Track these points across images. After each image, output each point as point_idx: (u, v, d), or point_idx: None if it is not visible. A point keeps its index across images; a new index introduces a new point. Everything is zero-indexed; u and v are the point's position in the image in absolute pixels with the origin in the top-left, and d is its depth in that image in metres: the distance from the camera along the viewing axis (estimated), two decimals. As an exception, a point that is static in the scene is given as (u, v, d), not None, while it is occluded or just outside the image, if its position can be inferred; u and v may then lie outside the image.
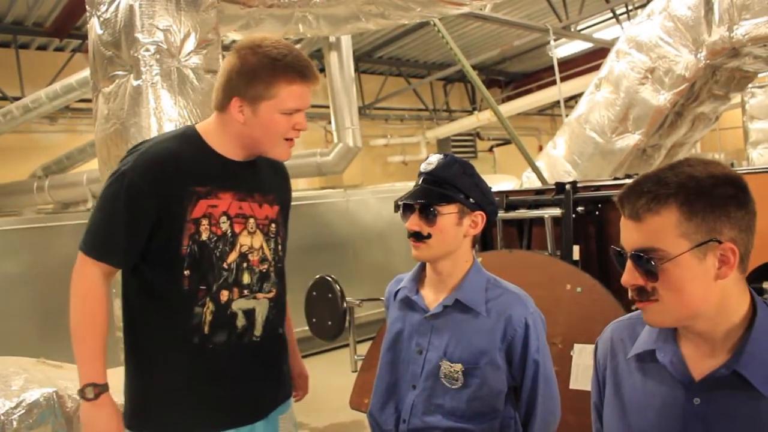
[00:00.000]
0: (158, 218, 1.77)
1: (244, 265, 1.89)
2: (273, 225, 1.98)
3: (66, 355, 3.69)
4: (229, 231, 1.86)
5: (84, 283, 1.82)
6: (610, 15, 10.77)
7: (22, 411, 2.49)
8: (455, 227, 1.75)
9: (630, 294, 1.26)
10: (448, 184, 1.75)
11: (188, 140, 1.86)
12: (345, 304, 3.75)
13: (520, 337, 1.73)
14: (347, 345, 4.00)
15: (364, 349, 3.62)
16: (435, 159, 1.81)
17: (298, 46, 6.81)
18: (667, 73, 5.93)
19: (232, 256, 1.87)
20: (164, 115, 3.01)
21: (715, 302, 1.20)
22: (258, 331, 1.93)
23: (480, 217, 1.78)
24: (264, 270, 1.94)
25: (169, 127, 3.00)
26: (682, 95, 6.01)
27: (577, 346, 2.58)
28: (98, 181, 4.00)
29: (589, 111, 6.49)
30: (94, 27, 3.18)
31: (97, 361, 1.80)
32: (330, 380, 5.93)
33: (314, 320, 3.93)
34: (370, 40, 11.46)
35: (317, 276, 3.94)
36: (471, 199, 1.76)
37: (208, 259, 1.82)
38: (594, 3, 10.08)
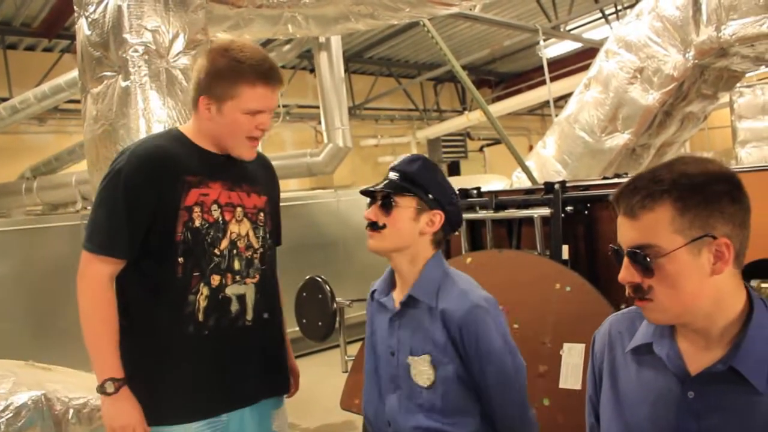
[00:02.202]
0: (154, 208, 1.87)
1: (234, 251, 1.99)
2: (261, 214, 2.08)
3: (55, 357, 3.68)
4: (220, 218, 1.96)
5: (92, 281, 1.87)
6: (599, 15, 10.82)
7: (10, 414, 2.47)
8: (410, 221, 1.76)
9: (627, 291, 1.27)
10: (409, 179, 1.77)
11: (175, 138, 1.98)
12: (335, 305, 3.75)
13: (458, 330, 1.69)
14: (338, 346, 4.00)
15: (354, 349, 3.61)
16: (403, 156, 1.85)
17: (287, 47, 6.74)
18: (656, 73, 5.96)
19: (224, 243, 1.97)
20: (153, 116, 2.99)
21: (711, 297, 1.21)
22: (249, 315, 2.02)
23: (438, 217, 1.77)
24: (249, 256, 2.04)
25: (158, 128, 2.98)
26: (670, 95, 6.04)
27: (566, 346, 2.59)
28: (87, 183, 3.99)
29: (578, 111, 6.51)
30: (83, 28, 3.16)
31: (113, 356, 1.87)
32: (321, 381, 5.92)
33: (304, 321, 3.93)
34: (360, 41, 11.47)
35: (307, 277, 3.94)
36: (429, 195, 1.76)
37: (200, 245, 1.92)
38: (583, 3, 10.12)
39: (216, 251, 1.95)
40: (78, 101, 3.51)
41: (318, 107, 7.86)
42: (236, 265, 1.99)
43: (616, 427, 1.38)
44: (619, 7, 10.66)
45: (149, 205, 1.86)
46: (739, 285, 1.25)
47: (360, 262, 7.50)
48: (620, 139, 6.27)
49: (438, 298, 1.74)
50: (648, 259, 1.20)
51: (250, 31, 3.96)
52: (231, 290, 1.98)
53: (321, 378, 6.02)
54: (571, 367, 2.54)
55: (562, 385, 2.57)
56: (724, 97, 7.69)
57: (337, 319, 3.77)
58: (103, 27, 3.07)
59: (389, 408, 1.81)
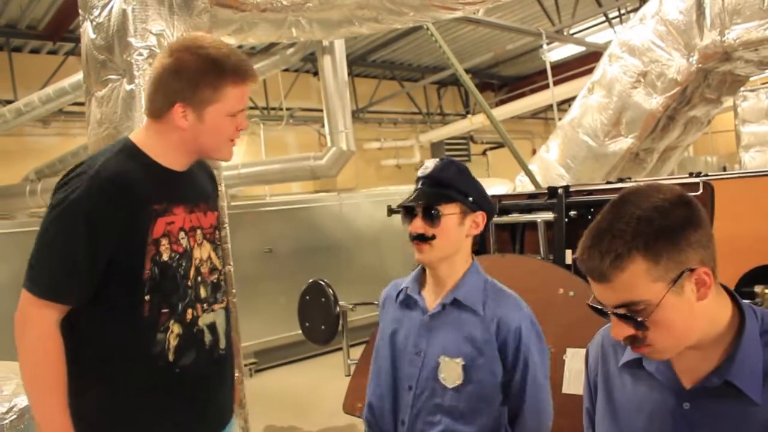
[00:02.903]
0: (117, 245, 1.64)
1: (199, 279, 1.82)
2: (216, 232, 1.92)
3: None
4: (187, 246, 1.78)
5: (37, 328, 1.63)
6: (603, 19, 10.80)
7: (14, 416, 2.48)
8: (458, 227, 1.78)
9: (623, 342, 1.25)
10: (447, 185, 1.77)
11: (132, 156, 1.71)
12: (338, 308, 3.76)
13: (513, 340, 1.74)
14: (340, 349, 4.01)
15: (357, 353, 3.62)
16: (431, 163, 1.84)
17: (291, 50, 6.73)
18: (660, 77, 5.96)
19: (192, 272, 1.79)
20: (157, 119, 3.00)
21: (704, 320, 1.21)
22: (222, 344, 1.89)
23: (481, 217, 1.82)
24: (215, 280, 1.88)
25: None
26: (674, 99, 6.04)
27: (569, 351, 2.59)
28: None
29: (582, 115, 6.51)
30: (87, 31, 3.17)
31: (63, 415, 1.63)
32: (323, 384, 5.93)
33: (307, 324, 3.94)
34: (364, 44, 11.47)
35: (310, 280, 3.95)
36: (470, 199, 1.79)
37: (172, 280, 1.73)
38: (587, 7, 10.12)
39: (188, 283, 1.77)
40: (82, 104, 3.52)
41: (321, 110, 7.87)
42: (203, 293, 1.82)
43: None
44: (622, 11, 10.65)
45: (112, 242, 1.62)
46: (721, 295, 1.25)
47: (363, 265, 7.50)
48: (624, 143, 6.26)
49: (486, 305, 1.78)
50: (640, 318, 1.18)
51: (254, 35, 3.98)
52: (203, 321, 1.81)
53: (323, 381, 6.02)
54: (575, 372, 2.54)
55: (565, 390, 2.57)
56: (728, 101, 7.69)
57: (340, 322, 3.78)
58: (107, 30, 3.08)
59: (404, 407, 1.81)
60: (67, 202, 1.61)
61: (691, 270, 1.17)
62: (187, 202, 1.79)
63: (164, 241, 1.71)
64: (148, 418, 1.73)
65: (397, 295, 1.94)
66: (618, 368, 1.39)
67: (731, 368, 1.20)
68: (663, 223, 1.17)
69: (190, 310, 1.78)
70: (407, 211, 1.81)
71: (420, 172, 1.84)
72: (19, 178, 8.82)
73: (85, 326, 1.69)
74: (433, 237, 1.75)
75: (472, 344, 1.75)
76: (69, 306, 1.65)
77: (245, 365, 5.55)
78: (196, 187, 1.86)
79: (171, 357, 1.73)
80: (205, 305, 1.83)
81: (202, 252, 1.84)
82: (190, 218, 1.80)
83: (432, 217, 1.75)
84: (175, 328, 1.74)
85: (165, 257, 1.71)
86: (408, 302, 1.89)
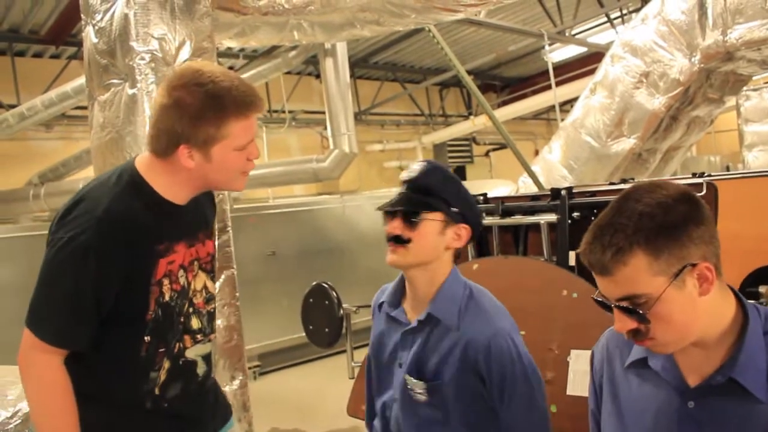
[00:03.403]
0: (123, 287, 1.59)
1: (191, 310, 1.76)
2: (212, 259, 1.87)
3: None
4: (185, 283, 1.74)
5: (44, 373, 1.58)
6: (605, 19, 10.80)
7: (18, 421, 2.48)
8: (437, 236, 1.70)
9: (626, 336, 1.26)
10: (431, 193, 1.70)
11: (138, 190, 1.64)
12: (342, 311, 3.76)
13: (482, 361, 1.64)
14: (344, 351, 4.01)
15: (361, 355, 3.61)
16: (417, 166, 1.75)
17: (293, 53, 6.72)
18: (662, 77, 5.95)
19: (186, 306, 1.76)
20: (159, 123, 3.01)
21: (706, 315, 1.22)
22: (214, 372, 1.89)
23: (464, 231, 1.73)
24: (211, 309, 1.85)
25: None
26: (676, 99, 6.03)
27: (573, 352, 2.58)
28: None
29: (584, 115, 6.51)
30: (89, 35, 3.17)
31: None
32: (327, 387, 5.93)
33: (311, 327, 3.94)
34: (366, 46, 11.49)
35: (314, 283, 3.95)
36: (454, 209, 1.71)
37: (169, 318, 1.69)
38: (588, 8, 10.11)
39: (181, 319, 1.73)
40: (85, 107, 3.52)
41: (324, 113, 7.88)
42: (194, 325, 1.77)
43: None
44: (624, 12, 10.65)
45: (117, 286, 1.57)
46: (725, 292, 1.26)
47: (366, 267, 7.50)
48: (626, 143, 6.25)
49: (461, 319, 1.69)
50: (641, 311, 1.19)
51: (256, 38, 3.98)
52: (194, 352, 1.77)
53: (327, 384, 6.02)
54: (579, 374, 2.53)
55: (569, 392, 2.56)
56: (731, 101, 7.67)
57: (344, 325, 3.78)
58: (109, 35, 3.08)
59: (395, 417, 1.80)
60: (75, 243, 1.53)
61: (693, 265, 1.18)
62: (188, 236, 1.75)
63: (166, 282, 1.67)
64: None
65: (381, 305, 1.90)
66: (623, 369, 1.40)
67: (735, 366, 1.21)
68: (665, 218, 1.18)
69: (177, 344, 1.73)
70: (387, 213, 1.74)
71: (404, 175, 1.76)
72: (23, 183, 8.83)
73: (75, 362, 1.63)
74: (409, 240, 1.68)
75: (442, 361, 1.68)
76: (73, 350, 1.61)
77: (249, 368, 5.56)
78: (197, 217, 1.80)
79: (158, 391, 1.71)
80: (199, 336, 1.79)
81: (197, 283, 1.79)
82: (190, 252, 1.75)
83: (411, 221, 1.68)
84: (166, 365, 1.71)
85: (167, 297, 1.68)
86: (389, 316, 1.84)
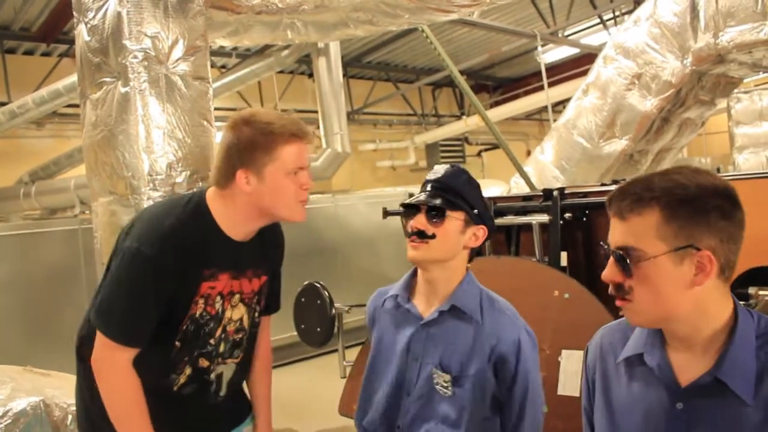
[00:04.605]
0: (171, 299, 1.81)
1: (223, 335, 1.97)
2: (257, 296, 2.04)
3: (53, 363, 3.67)
4: (220, 309, 1.92)
5: (119, 372, 1.80)
6: (597, 21, 10.84)
7: (9, 420, 2.47)
8: (458, 234, 1.76)
9: (609, 289, 1.29)
10: (456, 193, 1.77)
11: (202, 219, 1.87)
12: (334, 311, 3.77)
13: (512, 360, 1.72)
14: (336, 350, 4.01)
15: (352, 355, 3.62)
16: (442, 168, 1.83)
17: (286, 52, 6.72)
18: (654, 79, 5.97)
19: (218, 332, 1.95)
20: (152, 122, 2.99)
21: (691, 307, 1.23)
22: (223, 392, 2.04)
23: (482, 231, 1.80)
24: (238, 339, 2.02)
25: (157, 135, 2.99)
26: (668, 101, 6.06)
27: (564, 352, 2.59)
28: (86, 187, 3.98)
29: (576, 116, 6.52)
30: (82, 33, 3.16)
31: None
32: (318, 386, 5.93)
33: (303, 326, 3.94)
34: (359, 45, 11.49)
35: (306, 282, 3.95)
36: (476, 211, 1.78)
37: (197, 333, 1.89)
38: (581, 9, 10.15)
39: (211, 341, 1.94)
40: (77, 105, 3.51)
41: (316, 112, 7.87)
42: (221, 348, 1.98)
43: None
44: (617, 13, 10.70)
45: (168, 296, 1.80)
46: (724, 296, 1.26)
47: (358, 267, 7.50)
48: (618, 145, 6.27)
49: (483, 315, 1.77)
50: (629, 262, 1.22)
51: (249, 37, 3.97)
52: (214, 372, 1.99)
53: (319, 383, 6.02)
54: (570, 373, 2.54)
55: (560, 392, 2.57)
56: (722, 103, 7.72)
57: (336, 324, 3.78)
58: (102, 33, 3.07)
59: (402, 412, 1.81)
60: (141, 256, 1.76)
61: (697, 249, 1.19)
62: (235, 270, 1.93)
63: (201, 302, 1.87)
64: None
65: (384, 302, 1.93)
66: (616, 367, 1.41)
67: (722, 367, 1.22)
68: (695, 196, 1.20)
69: (205, 361, 1.95)
70: (409, 210, 1.80)
71: (430, 175, 1.83)
72: (13, 181, 8.79)
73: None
74: (433, 236, 1.74)
75: (465, 356, 1.74)
76: (138, 349, 1.81)
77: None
78: (252, 255, 1.97)
79: (175, 388, 1.92)
80: (220, 359, 1.99)
81: (235, 313, 1.98)
82: (232, 284, 1.93)
83: (436, 217, 1.74)
84: (187, 371, 1.92)
85: (197, 314, 1.88)
86: (400, 309, 1.87)
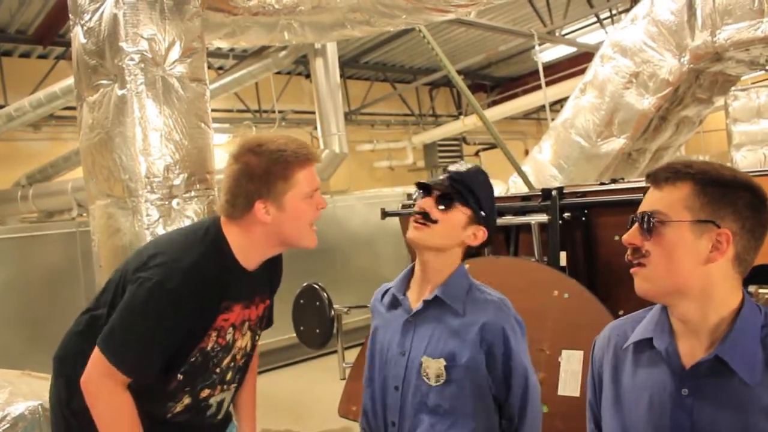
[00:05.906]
0: (186, 332, 1.78)
1: (231, 364, 1.95)
2: (261, 321, 2.04)
3: (51, 367, 3.65)
4: (230, 339, 1.90)
5: (115, 398, 1.74)
6: (595, 20, 10.83)
7: (7, 425, 2.46)
8: (460, 228, 1.78)
9: (627, 254, 1.34)
10: (470, 190, 1.79)
11: (220, 253, 1.82)
12: (333, 312, 3.75)
13: (500, 347, 1.73)
14: (335, 352, 4.00)
15: (352, 356, 3.61)
16: (465, 165, 1.87)
17: (283, 53, 6.72)
18: (652, 78, 5.97)
19: (226, 361, 1.92)
20: (149, 124, 2.98)
21: (700, 285, 1.27)
22: (221, 416, 2.04)
23: (482, 233, 1.81)
24: (242, 364, 2.02)
25: (154, 137, 2.98)
26: (666, 99, 6.06)
27: (564, 353, 2.59)
28: (83, 190, 3.96)
29: (574, 115, 6.52)
30: (78, 36, 3.15)
31: None
32: (318, 387, 5.92)
33: (302, 328, 3.92)
34: (356, 46, 11.48)
35: (305, 284, 3.93)
36: (483, 212, 1.80)
37: (205, 365, 1.86)
38: (578, 8, 10.14)
39: (217, 370, 1.90)
40: (73, 108, 3.50)
41: (314, 113, 7.87)
42: (228, 377, 1.96)
43: (615, 425, 1.41)
44: (614, 12, 10.69)
45: (183, 332, 1.76)
46: (735, 288, 1.30)
47: (357, 268, 7.49)
48: (616, 143, 6.27)
49: (466, 307, 1.77)
50: (651, 222, 1.29)
51: (246, 38, 3.96)
52: (215, 399, 1.97)
53: (318, 385, 6.01)
54: (570, 374, 2.54)
55: (560, 392, 2.57)
56: (719, 101, 7.71)
57: (335, 325, 3.77)
58: (98, 35, 3.06)
59: (393, 408, 1.81)
60: (162, 290, 1.70)
61: (717, 226, 1.25)
62: (246, 299, 1.91)
63: (213, 334, 1.83)
64: None
65: (382, 297, 1.94)
66: (624, 351, 1.44)
67: (724, 345, 1.25)
68: (729, 182, 1.28)
69: (207, 390, 1.92)
70: (423, 189, 1.83)
71: (452, 167, 1.86)
72: (10, 183, 8.78)
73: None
74: (436, 222, 1.76)
75: (453, 343, 1.74)
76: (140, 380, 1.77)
77: (240, 369, 5.55)
78: (260, 282, 1.96)
79: (169, 415, 1.89)
80: (225, 386, 1.98)
81: (243, 341, 1.96)
82: (243, 313, 1.91)
83: (445, 203, 1.77)
84: (186, 400, 1.89)
85: (209, 347, 1.84)
86: (393, 302, 1.89)
